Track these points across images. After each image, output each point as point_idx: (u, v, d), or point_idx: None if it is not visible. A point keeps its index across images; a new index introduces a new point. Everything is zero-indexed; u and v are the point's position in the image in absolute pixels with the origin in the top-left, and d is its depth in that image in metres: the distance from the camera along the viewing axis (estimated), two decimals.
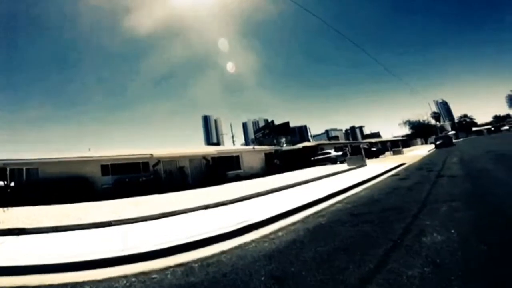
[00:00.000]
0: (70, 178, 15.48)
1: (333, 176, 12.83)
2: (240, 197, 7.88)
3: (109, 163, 17.29)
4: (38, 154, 17.91)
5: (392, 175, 11.03)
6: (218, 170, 19.70)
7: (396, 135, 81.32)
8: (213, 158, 20.78)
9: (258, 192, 8.53)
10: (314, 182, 10.98)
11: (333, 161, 26.65)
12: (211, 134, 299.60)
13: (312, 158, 28.51)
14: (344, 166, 18.17)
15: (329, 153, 28.14)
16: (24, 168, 15.30)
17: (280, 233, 4.24)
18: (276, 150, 25.87)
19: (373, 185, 8.80)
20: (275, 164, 23.54)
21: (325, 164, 26.58)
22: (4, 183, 15.02)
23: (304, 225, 4.60)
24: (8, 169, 14.98)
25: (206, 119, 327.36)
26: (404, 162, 16.29)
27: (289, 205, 6.08)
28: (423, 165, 13.85)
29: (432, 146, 37.39)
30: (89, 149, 23.22)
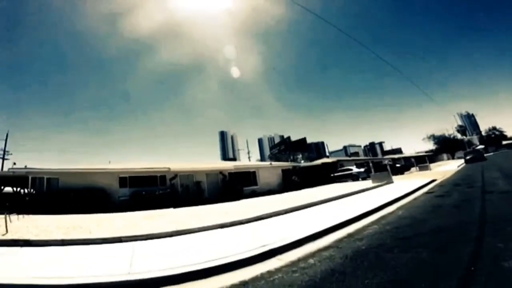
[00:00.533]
0: (88, 189, 15.60)
1: (359, 194, 11.81)
2: (258, 216, 7.20)
3: (127, 175, 17.33)
4: (60, 165, 18.39)
5: (426, 192, 9.89)
6: (234, 185, 19.14)
7: (419, 150, 77.18)
8: (230, 173, 20.32)
9: (277, 211, 7.80)
10: (340, 200, 10.07)
11: (354, 178, 25.25)
12: (227, 150, 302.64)
13: (332, 175, 27.24)
14: (368, 183, 16.96)
15: (350, 169, 26.75)
16: (45, 177, 15.64)
17: (311, 261, 3.53)
18: (294, 167, 25.01)
19: (408, 203, 7.81)
20: (293, 180, 22.61)
21: (345, 181, 25.24)
22: (24, 191, 15.45)
23: (340, 250, 3.86)
24: (30, 177, 15.40)
25: (222, 135, 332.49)
26: (435, 178, 14.88)
27: (316, 226, 5.34)
28: (458, 180, 12.49)
29: (460, 161, 35.05)
30: (109, 162, 23.66)
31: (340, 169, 28.14)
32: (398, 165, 32.66)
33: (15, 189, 20.77)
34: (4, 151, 35.23)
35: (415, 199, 8.51)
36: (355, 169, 26.55)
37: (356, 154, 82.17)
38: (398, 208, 7.06)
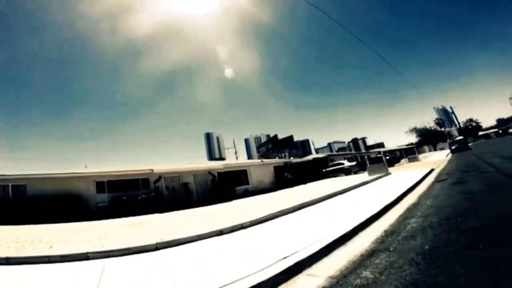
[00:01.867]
0: (61, 196, 13.82)
1: (362, 187, 11.00)
2: (261, 218, 6.07)
3: (105, 179, 15.57)
4: (27, 170, 16.29)
5: (437, 181, 9.16)
6: (225, 185, 17.88)
7: (400, 144, 79.04)
8: (219, 173, 19.03)
9: (282, 210, 6.70)
10: (347, 194, 9.15)
11: (347, 172, 24.76)
12: (213, 151, 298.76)
13: (324, 170, 26.62)
14: (363, 176, 16.32)
15: (342, 163, 26.25)
16: (10, 185, 13.65)
17: (367, 274, 2.46)
18: (285, 163, 24.08)
19: (427, 192, 6.97)
20: (285, 177, 21.67)
21: (337, 176, 24.72)
22: None
23: (398, 254, 2.80)
24: None
25: (208, 136, 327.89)
26: (433, 168, 14.46)
27: (337, 226, 4.31)
28: (462, 168, 11.99)
29: (444, 152, 35.88)
30: (86, 166, 21.61)
31: (331, 164, 27.59)
32: (387, 157, 32.74)
33: None
34: None
35: (430, 187, 7.73)
36: (347, 163, 26.07)
37: (344, 149, 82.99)
38: (421, 198, 6.20)
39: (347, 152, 46.45)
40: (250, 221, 5.72)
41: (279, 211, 6.46)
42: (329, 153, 40.48)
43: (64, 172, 15.07)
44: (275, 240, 4.10)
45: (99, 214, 13.95)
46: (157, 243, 4.57)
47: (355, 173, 23.88)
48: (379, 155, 31.48)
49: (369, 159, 25.04)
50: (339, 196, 8.75)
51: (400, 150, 52.75)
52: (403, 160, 34.24)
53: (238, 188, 19.07)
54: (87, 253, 4.20)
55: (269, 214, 6.22)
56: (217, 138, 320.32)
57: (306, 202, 7.50)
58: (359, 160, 32.65)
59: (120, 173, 16.07)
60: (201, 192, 17.54)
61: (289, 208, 6.73)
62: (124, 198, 14.62)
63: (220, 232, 5.14)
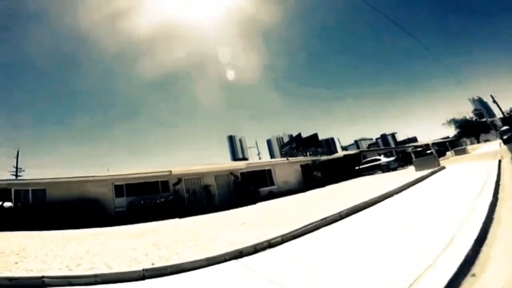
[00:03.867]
0: (79, 201, 13.31)
1: (419, 184, 8.81)
2: (295, 231, 4.37)
3: (123, 183, 14.88)
4: (46, 175, 16.19)
5: None
6: (248, 187, 16.39)
7: (434, 138, 71.80)
8: (242, 173, 17.62)
9: (323, 218, 4.93)
10: (401, 195, 7.10)
11: (384, 168, 22.03)
12: (237, 153, 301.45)
13: (357, 168, 24.08)
14: (408, 173, 13.79)
15: (378, 159, 23.49)
16: (30, 190, 13.41)
17: None
18: (313, 161, 22.00)
19: None
20: (314, 176, 19.63)
21: (373, 174, 22.12)
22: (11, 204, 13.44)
23: None
24: (13, 190, 13.21)
25: (231, 139, 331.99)
26: (499, 158, 11.64)
27: (422, 243, 2.52)
28: None
29: (491, 144, 31.47)
30: (108, 170, 21.45)
31: (365, 160, 24.91)
32: (429, 151, 29.17)
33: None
34: (17, 168, 34.11)
35: None
36: (384, 159, 23.28)
37: (375, 145, 77.97)
38: None
39: (381, 147, 42.76)
40: (281, 236, 4.07)
41: (322, 219, 4.72)
42: (362, 149, 37.30)
43: (82, 176, 14.60)
44: (327, 273, 2.44)
45: (117, 219, 13.21)
46: (144, 270, 3.12)
47: (393, 170, 21.16)
48: (419, 149, 28.15)
49: (414, 153, 21.99)
50: (396, 197, 6.75)
51: (438, 143, 47.62)
52: (448, 153, 30.44)
53: (263, 189, 17.49)
54: (43, 277, 2.88)
55: (308, 224, 4.51)
56: (240, 140, 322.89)
57: (356, 206, 5.64)
58: (396, 155, 29.43)
59: (138, 175, 15.30)
60: (223, 195, 16.24)
61: (333, 215, 4.96)
62: (142, 202, 13.72)
63: (240, 254, 3.57)
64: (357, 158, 27.19)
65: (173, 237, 5.68)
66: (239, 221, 6.73)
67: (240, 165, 17.87)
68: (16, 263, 3.88)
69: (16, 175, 33.49)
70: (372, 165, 23.10)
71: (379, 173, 21.25)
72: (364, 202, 6.01)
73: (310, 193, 14.56)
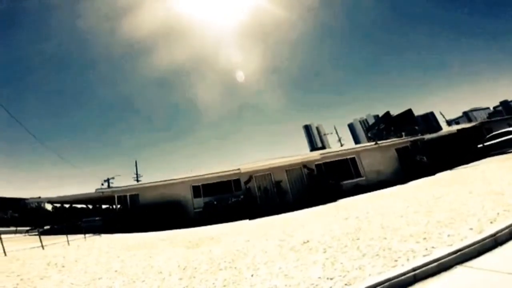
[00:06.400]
0: (165, 203, 14.39)
1: None
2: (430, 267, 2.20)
3: (199, 183, 15.22)
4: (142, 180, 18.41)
5: None
6: (326, 180, 14.00)
7: None
8: (318, 165, 15.34)
9: (494, 236, 2.48)
10: None
11: None
12: (315, 142, 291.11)
13: (480, 145, 17.57)
14: None
15: None
16: (128, 195, 15.34)
17: None
18: (414, 142, 17.20)
19: None
20: (417, 162, 15.21)
21: (505, 152, 15.58)
22: (114, 208, 15.79)
23: None
24: (116, 196, 15.45)
25: (307, 128, 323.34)
26: None
27: None
28: None
29: None
30: (191, 170, 23.02)
31: (492, 134, 17.93)
32: None
33: (111, 207, 23.09)
34: (137, 174, 42.92)
35: None
36: None
37: (500, 113, 59.46)
38: None
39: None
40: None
41: (488, 240, 2.33)
42: (484, 120, 27.77)
43: (166, 180, 15.68)
44: None
45: (196, 220, 13.49)
46: None
47: None
48: None
49: None
50: None
51: None
52: None
53: (346, 182, 14.71)
54: None
55: (457, 251, 2.24)
56: (317, 128, 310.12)
57: None
58: None
59: (212, 175, 15.33)
60: (296, 191, 14.45)
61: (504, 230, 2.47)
62: (215, 202, 13.55)
63: None
64: (478, 133, 20.08)
65: (226, 254, 4.43)
66: (302, 239, 4.83)
67: (314, 155, 15.57)
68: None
69: (137, 180, 41.56)
70: (504, 140, 16.29)
71: None
72: None
73: (414, 184, 10.99)
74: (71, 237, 11.00)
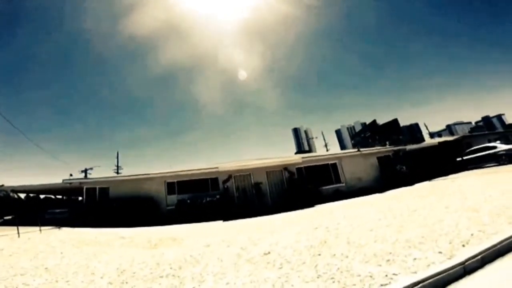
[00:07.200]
0: (137, 198, 13.55)
1: None
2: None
3: (174, 180, 14.51)
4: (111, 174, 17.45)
5: None
6: (305, 184, 13.71)
7: None
8: (298, 169, 15.03)
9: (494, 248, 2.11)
10: None
11: (504, 159, 15.55)
12: (302, 145, 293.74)
13: (460, 158, 17.94)
14: None
15: (493, 147, 16.82)
16: (97, 187, 14.40)
17: None
18: (396, 152, 17.30)
19: None
20: (397, 171, 15.22)
21: (484, 167, 15.98)
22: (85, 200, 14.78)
23: None
24: (84, 188, 14.46)
25: (296, 131, 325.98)
26: None
27: None
28: None
29: None
30: (170, 166, 22.22)
31: (471, 149, 18.34)
32: None
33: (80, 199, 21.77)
34: (117, 167, 41.12)
35: None
36: (502, 146, 16.52)
37: (480, 129, 61.90)
38: None
39: (493, 131, 32.51)
40: None
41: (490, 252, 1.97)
42: (465, 134, 28.49)
43: (139, 174, 14.88)
44: None
45: (168, 217, 12.81)
46: None
47: None
48: None
49: None
50: None
51: None
52: None
53: (326, 187, 14.48)
54: None
55: (419, 282, 1.86)
56: (305, 132, 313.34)
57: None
58: None
59: (188, 172, 14.67)
60: (275, 194, 14.07)
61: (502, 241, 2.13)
62: (188, 201, 12.92)
63: None
64: (458, 146, 20.55)
65: (185, 258, 3.93)
66: (262, 247, 4.40)
67: (295, 158, 15.26)
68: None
69: (117, 172, 39.91)
70: (483, 155, 16.69)
71: (493, 166, 15.07)
72: None
73: (392, 193, 10.85)
74: (26, 229, 10.12)
